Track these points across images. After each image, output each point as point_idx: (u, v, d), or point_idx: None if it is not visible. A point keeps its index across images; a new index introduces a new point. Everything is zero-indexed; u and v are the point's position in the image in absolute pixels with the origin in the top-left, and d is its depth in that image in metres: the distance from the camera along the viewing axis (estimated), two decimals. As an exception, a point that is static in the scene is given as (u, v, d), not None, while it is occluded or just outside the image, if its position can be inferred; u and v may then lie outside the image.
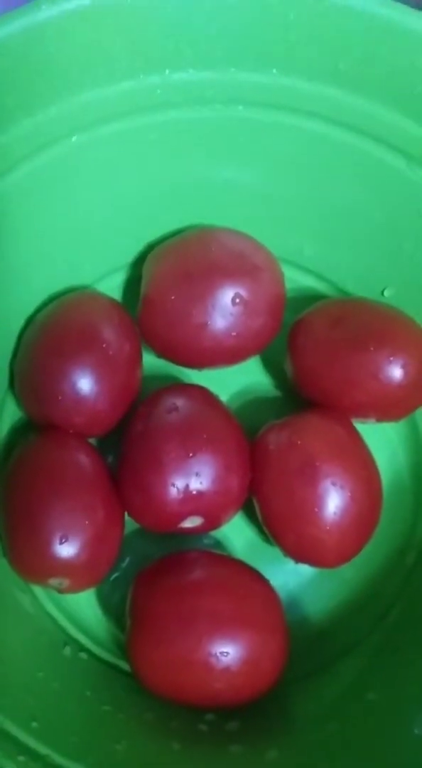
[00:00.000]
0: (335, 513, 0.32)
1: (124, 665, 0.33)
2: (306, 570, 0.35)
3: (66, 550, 0.30)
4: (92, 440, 0.36)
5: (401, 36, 0.28)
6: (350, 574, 0.36)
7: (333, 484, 0.32)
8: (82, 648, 0.34)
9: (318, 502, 0.32)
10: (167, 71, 0.31)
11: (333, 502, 0.32)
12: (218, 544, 0.37)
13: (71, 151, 0.32)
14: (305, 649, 0.35)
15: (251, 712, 0.31)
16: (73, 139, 0.31)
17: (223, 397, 0.38)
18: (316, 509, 0.32)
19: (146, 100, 0.31)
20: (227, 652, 0.29)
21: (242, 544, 0.37)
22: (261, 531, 0.35)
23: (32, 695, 0.28)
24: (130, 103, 0.31)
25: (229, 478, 0.32)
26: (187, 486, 0.31)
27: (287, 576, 0.36)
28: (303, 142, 0.33)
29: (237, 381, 0.39)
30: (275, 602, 0.32)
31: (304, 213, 0.36)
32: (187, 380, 0.38)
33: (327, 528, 0.32)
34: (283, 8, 0.29)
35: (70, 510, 0.31)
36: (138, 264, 0.38)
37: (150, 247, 0.37)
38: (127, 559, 0.36)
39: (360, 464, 0.33)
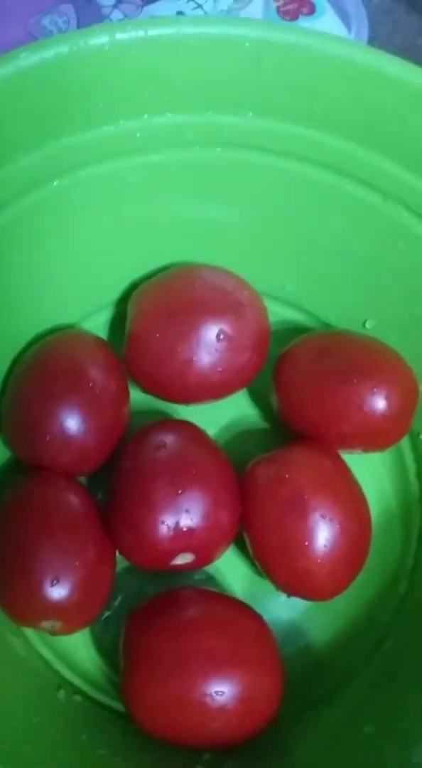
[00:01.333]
0: (325, 546, 0.32)
1: (119, 706, 0.33)
2: (299, 603, 0.35)
3: (57, 592, 0.30)
4: (82, 479, 0.36)
5: (374, 78, 0.29)
6: (343, 606, 0.36)
7: (323, 516, 0.32)
8: (77, 690, 0.33)
9: (308, 535, 0.32)
10: (146, 116, 0.31)
11: (324, 534, 0.32)
12: (210, 579, 0.37)
13: (53, 194, 0.32)
14: (301, 682, 0.35)
15: (248, 749, 0.30)
16: (55, 183, 0.32)
17: (211, 431, 0.38)
18: (307, 542, 0.32)
19: (126, 144, 0.32)
20: (222, 691, 0.29)
21: (235, 578, 0.37)
22: (253, 564, 0.35)
23: (27, 743, 0.27)
24: (110, 147, 0.32)
25: (219, 513, 0.32)
26: (178, 523, 0.31)
27: (281, 609, 0.36)
28: (282, 182, 0.34)
29: (225, 414, 0.40)
30: (269, 638, 0.32)
31: (285, 249, 0.37)
32: (174, 414, 0.39)
33: (319, 561, 0.32)
34: (256, 53, 0.29)
35: (61, 551, 0.31)
36: (123, 302, 0.38)
37: (134, 285, 0.37)
38: (119, 597, 0.36)
39: (348, 496, 0.33)
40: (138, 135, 0.32)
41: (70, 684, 0.34)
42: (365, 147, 0.31)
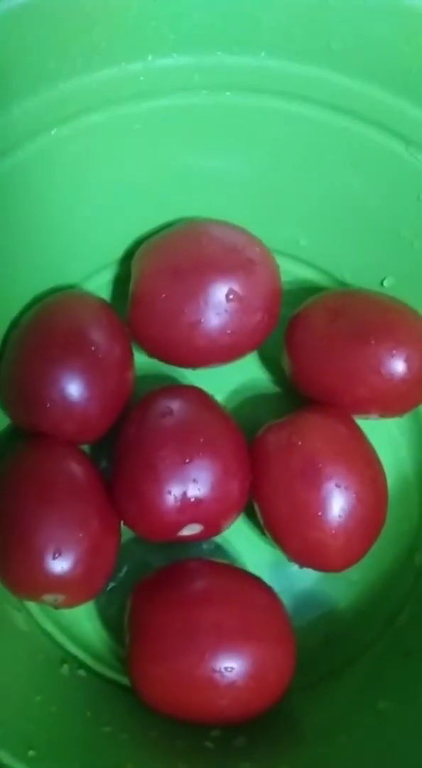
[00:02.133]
0: (340, 516, 0.30)
1: (125, 681, 0.32)
2: (311, 573, 0.34)
3: (60, 565, 0.29)
4: (85, 446, 0.34)
5: (396, 13, 0.27)
6: (357, 576, 0.35)
7: (337, 485, 0.30)
8: (81, 664, 0.32)
9: (321, 504, 0.30)
10: (150, 57, 0.29)
11: (338, 504, 0.30)
12: (219, 548, 0.36)
13: (51, 144, 0.30)
14: (312, 656, 0.34)
15: (258, 726, 0.30)
16: (53, 132, 0.30)
17: (220, 396, 0.37)
18: (320, 513, 0.30)
19: (129, 88, 0.30)
20: (231, 667, 0.28)
21: (244, 547, 0.36)
22: (263, 533, 0.34)
23: (30, 721, 0.26)
24: (112, 92, 0.29)
25: (228, 482, 0.31)
26: (185, 493, 0.30)
27: (291, 580, 0.35)
28: (295, 128, 0.32)
29: (234, 379, 0.38)
30: (280, 611, 0.31)
31: (298, 202, 0.35)
32: (181, 379, 0.37)
33: (332, 532, 0.30)
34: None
35: (63, 522, 0.29)
36: (126, 261, 0.36)
37: (138, 243, 0.35)
38: (125, 568, 0.35)
39: (364, 463, 0.32)
40: (141, 78, 0.30)
41: (75, 658, 0.33)
42: (386, 89, 0.29)
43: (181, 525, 0.30)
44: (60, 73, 0.28)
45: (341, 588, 0.35)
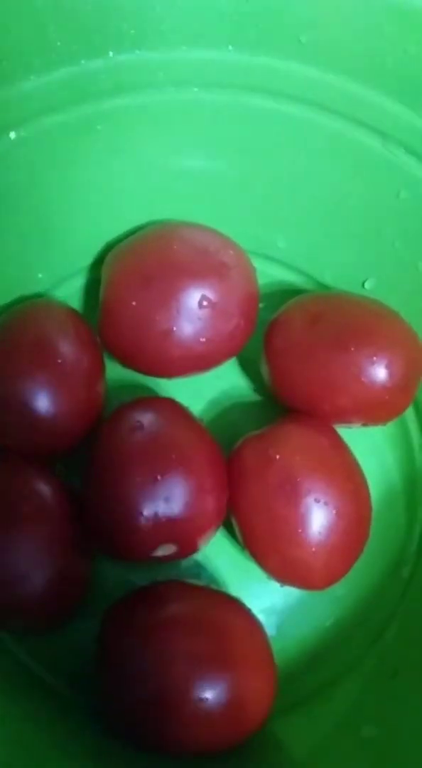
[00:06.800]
0: (320, 532, 0.29)
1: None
2: (295, 589, 0.32)
3: (26, 591, 0.27)
4: (58, 460, 0.33)
5: (365, 4, 0.25)
6: (342, 592, 0.33)
7: (316, 501, 0.29)
8: (51, 689, 0.31)
9: (301, 521, 0.29)
10: (111, 54, 0.28)
11: (318, 520, 0.29)
12: (197, 565, 0.34)
13: (10, 147, 0.29)
14: (295, 674, 0.32)
15: (235, 754, 0.28)
16: (11, 134, 0.28)
17: (197, 405, 0.35)
18: (299, 529, 0.29)
19: (89, 87, 0.28)
20: (207, 697, 0.26)
21: (225, 562, 0.34)
22: (244, 548, 0.33)
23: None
24: (72, 91, 0.28)
25: (203, 499, 0.29)
26: (156, 513, 0.28)
27: (274, 596, 0.34)
28: (269, 125, 0.30)
29: (213, 386, 0.36)
30: (259, 637, 0.29)
31: (274, 202, 0.33)
32: (156, 388, 0.36)
33: (313, 549, 0.29)
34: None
35: (29, 546, 0.28)
36: (97, 266, 0.35)
37: (109, 248, 0.34)
38: (98, 589, 0.33)
39: (344, 477, 0.30)
40: (102, 76, 0.28)
41: (43, 682, 0.31)
42: (360, 82, 0.27)
43: (155, 545, 0.29)
44: (15, 74, 0.27)
45: (326, 604, 0.34)
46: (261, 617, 0.31)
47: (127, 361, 0.33)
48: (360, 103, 0.28)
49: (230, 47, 0.28)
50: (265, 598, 0.33)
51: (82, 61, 0.28)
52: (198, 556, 0.34)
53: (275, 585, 0.32)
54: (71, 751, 0.28)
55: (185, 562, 0.34)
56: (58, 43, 0.27)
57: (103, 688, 0.28)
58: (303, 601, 0.34)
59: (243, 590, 0.33)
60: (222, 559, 0.34)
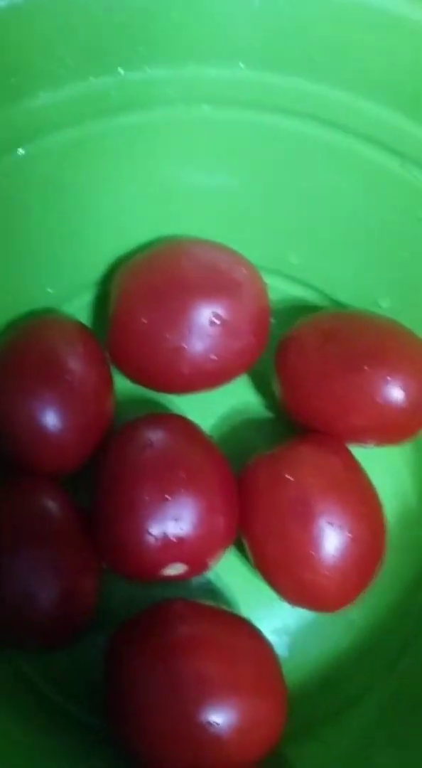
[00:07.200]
0: (333, 556, 0.28)
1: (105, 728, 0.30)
2: (308, 611, 0.32)
3: (34, 609, 0.27)
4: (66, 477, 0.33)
5: (381, 21, 0.24)
6: (356, 615, 0.33)
7: (330, 523, 0.28)
8: (60, 710, 0.31)
9: (313, 544, 0.28)
10: (120, 71, 0.27)
11: (331, 543, 0.28)
12: (208, 584, 0.33)
13: (18, 164, 0.28)
14: (307, 698, 0.32)
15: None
16: (20, 151, 0.28)
17: (209, 421, 0.35)
18: (312, 552, 0.28)
19: (98, 104, 0.28)
20: (217, 722, 0.26)
21: (236, 582, 0.34)
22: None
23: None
24: (80, 108, 0.28)
25: (213, 519, 0.29)
26: (165, 533, 0.28)
27: (286, 617, 0.33)
28: (281, 142, 0.30)
29: (224, 403, 0.36)
30: (270, 660, 0.29)
31: (289, 218, 0.33)
32: (167, 404, 0.35)
33: (326, 573, 0.28)
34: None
35: (37, 564, 0.28)
36: (107, 281, 0.34)
37: (119, 263, 0.34)
38: (106, 607, 0.33)
39: (359, 499, 0.30)
40: (112, 93, 0.28)
41: (52, 703, 0.31)
42: (377, 102, 0.27)
43: (163, 565, 0.29)
44: (23, 90, 0.26)
45: (340, 627, 0.33)
46: (272, 638, 0.30)
47: (136, 377, 0.33)
48: (377, 123, 0.27)
49: (241, 65, 0.27)
50: (277, 618, 0.33)
51: (92, 78, 0.27)
52: (208, 575, 0.33)
53: (287, 606, 0.31)
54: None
55: (195, 581, 0.33)
56: (67, 60, 0.26)
57: (110, 709, 0.28)
58: (316, 622, 0.33)
59: (254, 610, 0.32)
60: (233, 578, 0.34)
